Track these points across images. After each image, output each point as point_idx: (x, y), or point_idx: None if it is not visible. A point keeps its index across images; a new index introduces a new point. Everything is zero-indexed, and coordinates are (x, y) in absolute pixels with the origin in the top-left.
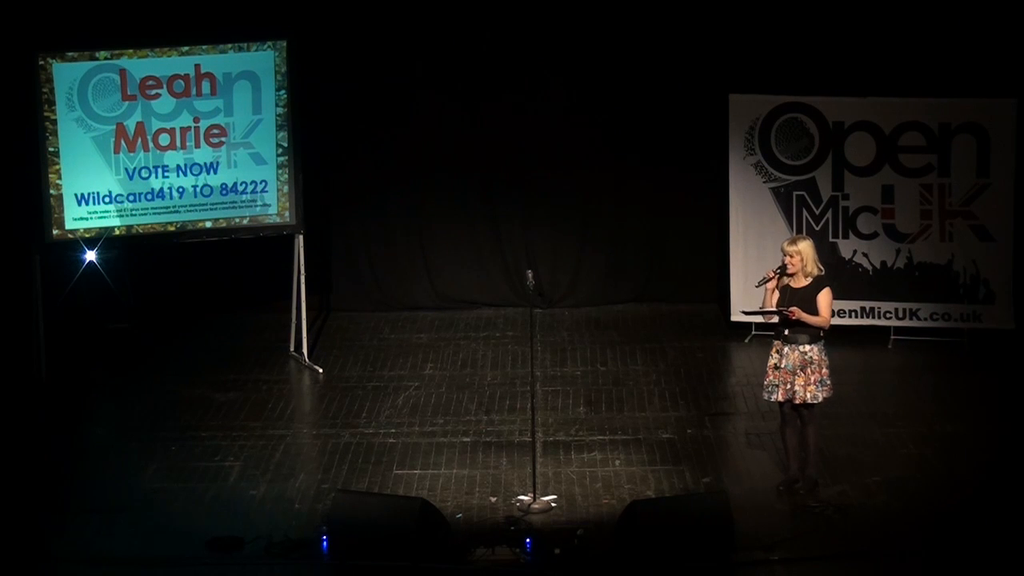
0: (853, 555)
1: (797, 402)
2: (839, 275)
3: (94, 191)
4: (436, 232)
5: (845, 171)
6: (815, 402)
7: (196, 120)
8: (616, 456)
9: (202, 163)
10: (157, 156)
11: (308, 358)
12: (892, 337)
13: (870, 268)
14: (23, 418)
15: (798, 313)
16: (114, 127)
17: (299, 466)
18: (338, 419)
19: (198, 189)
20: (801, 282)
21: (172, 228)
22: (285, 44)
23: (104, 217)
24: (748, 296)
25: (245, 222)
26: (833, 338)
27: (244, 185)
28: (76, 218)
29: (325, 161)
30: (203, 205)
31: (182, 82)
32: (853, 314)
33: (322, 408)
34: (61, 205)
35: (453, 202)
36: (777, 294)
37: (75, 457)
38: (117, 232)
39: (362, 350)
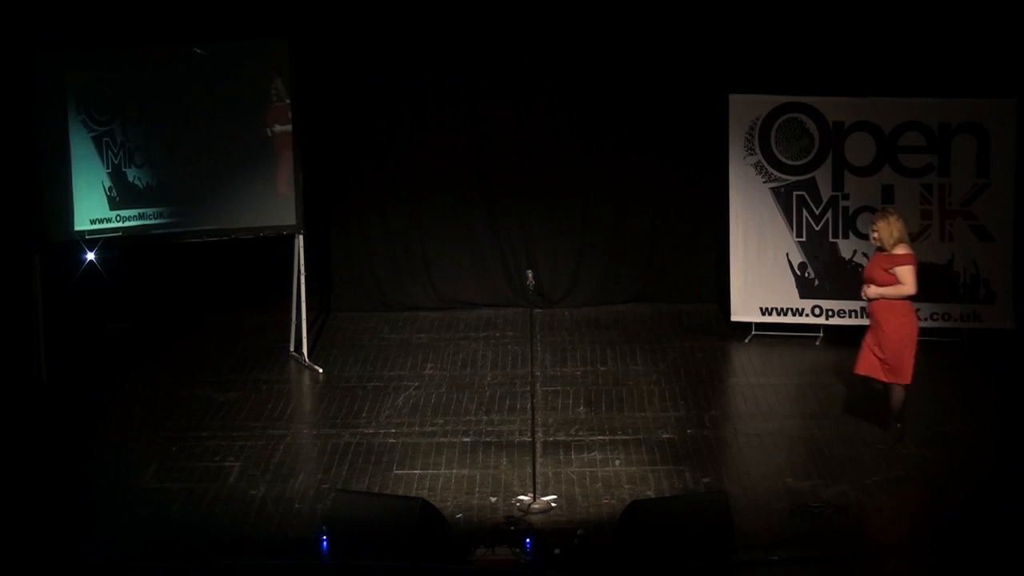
0: (853, 555)
1: None
2: (839, 275)
3: (94, 192)
4: (436, 232)
5: (845, 171)
6: None
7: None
8: (616, 456)
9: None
10: (158, 157)
11: (308, 358)
12: None
13: None
14: (23, 419)
15: None
16: (115, 128)
17: (299, 466)
18: (338, 419)
19: (199, 189)
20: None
21: (172, 228)
22: (285, 44)
23: (104, 217)
24: (748, 296)
25: (245, 222)
26: (833, 338)
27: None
28: (77, 219)
29: (325, 161)
30: (204, 205)
31: None
32: (853, 314)
33: (322, 408)
34: (62, 205)
35: (453, 202)
36: None
37: (75, 457)
38: (117, 232)
39: (362, 350)
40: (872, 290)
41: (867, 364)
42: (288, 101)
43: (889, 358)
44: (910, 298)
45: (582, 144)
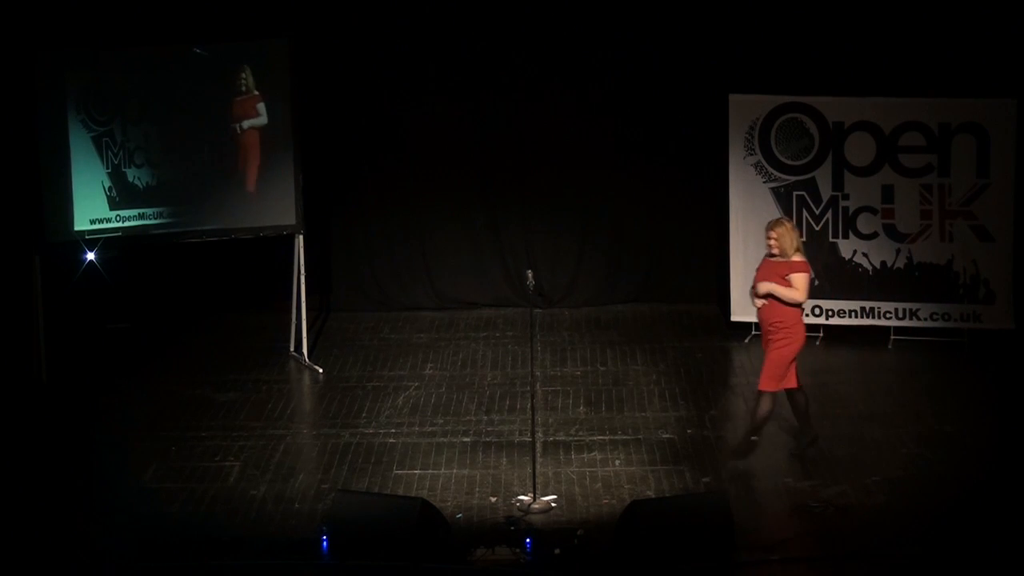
0: (853, 555)
1: None
2: (839, 275)
3: (94, 192)
4: (436, 232)
5: (845, 171)
6: None
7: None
8: (616, 456)
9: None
10: (158, 157)
11: (308, 358)
12: (892, 337)
13: (870, 268)
14: (23, 419)
15: None
16: (115, 128)
17: (299, 466)
18: (338, 419)
19: (199, 189)
20: None
21: (172, 228)
22: (286, 44)
23: (104, 217)
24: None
25: (245, 222)
26: (833, 338)
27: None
28: (77, 219)
29: (325, 161)
30: (204, 205)
31: None
32: (853, 314)
33: (322, 408)
34: (61, 206)
35: (453, 202)
36: None
37: (75, 457)
38: (117, 232)
39: (362, 350)
40: (763, 286)
41: None
42: (257, 93)
43: (767, 365)
44: (798, 306)
45: (582, 144)
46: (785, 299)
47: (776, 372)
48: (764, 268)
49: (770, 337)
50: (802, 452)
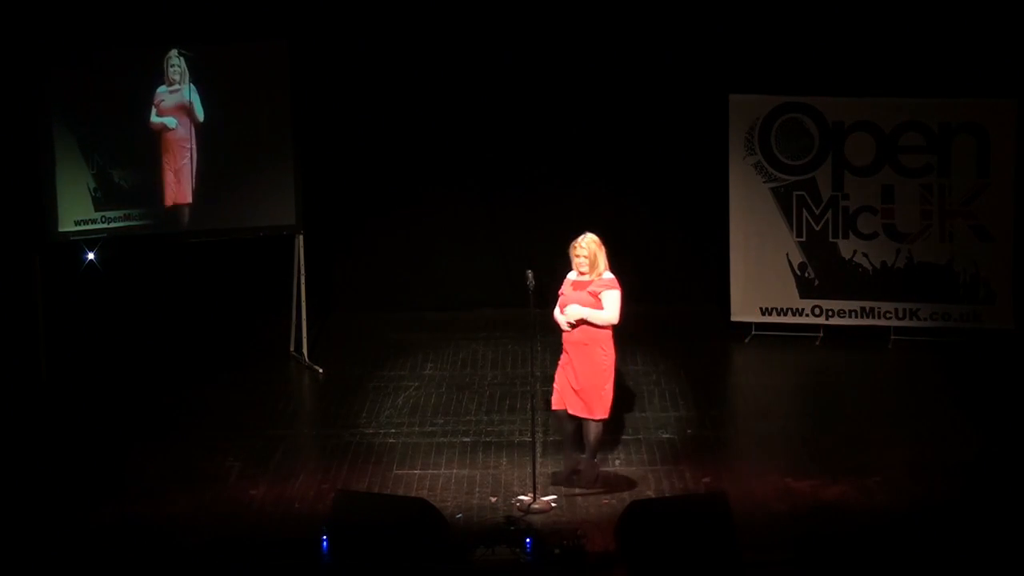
0: (853, 555)
1: None
2: (839, 275)
3: (79, 192)
4: (436, 232)
5: (845, 171)
6: None
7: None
8: (616, 456)
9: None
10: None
11: (308, 358)
12: (892, 337)
13: (870, 268)
14: (23, 418)
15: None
16: (100, 128)
17: (299, 466)
18: (338, 419)
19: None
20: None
21: (160, 229)
22: (285, 45)
23: (89, 218)
24: (748, 296)
25: (242, 222)
26: (833, 338)
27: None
28: (76, 219)
29: (325, 161)
30: (196, 205)
31: None
32: (853, 314)
33: (322, 408)
34: (62, 206)
35: (453, 202)
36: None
37: (75, 457)
38: (103, 234)
39: (362, 350)
40: (575, 309)
41: (563, 399)
42: (288, 101)
43: (584, 391)
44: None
45: (582, 144)
46: (600, 324)
47: (604, 394)
48: (572, 287)
49: (582, 359)
50: (591, 485)
